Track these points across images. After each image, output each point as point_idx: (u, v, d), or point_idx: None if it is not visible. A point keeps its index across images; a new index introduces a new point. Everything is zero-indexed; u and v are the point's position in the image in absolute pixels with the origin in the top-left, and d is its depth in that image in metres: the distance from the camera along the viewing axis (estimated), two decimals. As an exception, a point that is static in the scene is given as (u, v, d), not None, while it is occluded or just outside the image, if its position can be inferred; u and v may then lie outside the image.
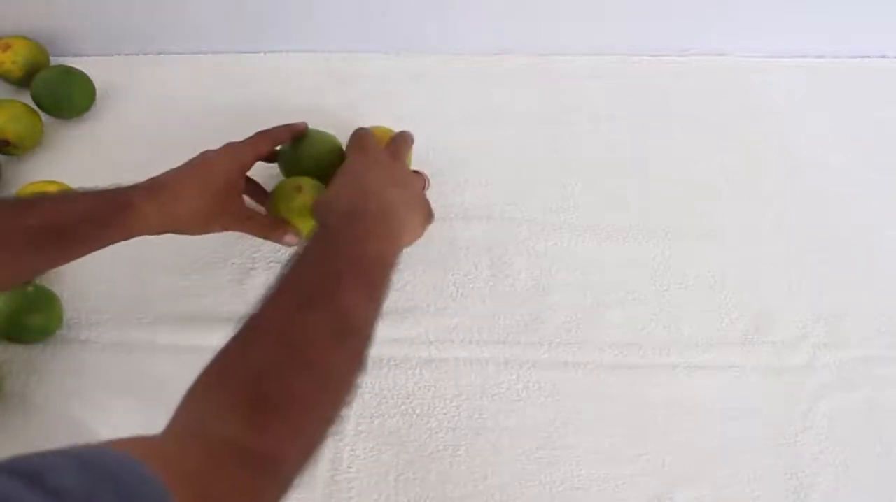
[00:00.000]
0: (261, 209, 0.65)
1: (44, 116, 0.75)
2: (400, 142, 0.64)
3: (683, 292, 0.67)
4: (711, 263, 0.69)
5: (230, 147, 0.60)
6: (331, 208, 0.55)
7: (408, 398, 0.62)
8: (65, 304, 0.64)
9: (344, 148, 0.71)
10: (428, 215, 0.60)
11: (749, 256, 0.69)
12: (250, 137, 0.62)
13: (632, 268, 0.68)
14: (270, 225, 0.62)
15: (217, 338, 0.64)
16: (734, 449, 0.60)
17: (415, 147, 0.72)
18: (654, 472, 0.59)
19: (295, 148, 0.69)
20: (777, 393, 0.62)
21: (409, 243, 0.58)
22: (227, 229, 0.61)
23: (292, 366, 0.41)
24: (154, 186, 0.55)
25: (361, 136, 0.63)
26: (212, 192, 0.58)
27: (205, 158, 0.59)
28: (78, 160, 0.75)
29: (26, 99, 0.75)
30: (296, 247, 0.62)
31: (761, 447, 0.60)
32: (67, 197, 0.54)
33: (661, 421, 0.61)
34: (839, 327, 0.66)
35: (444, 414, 0.61)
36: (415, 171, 0.64)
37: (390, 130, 0.70)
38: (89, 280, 0.66)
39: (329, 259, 0.48)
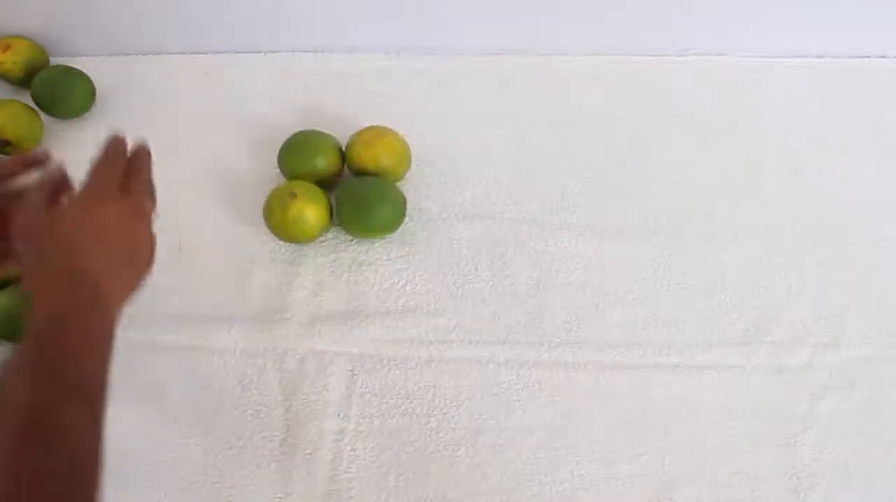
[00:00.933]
0: None
1: (43, 116, 0.75)
2: (107, 172, 0.52)
3: (683, 292, 0.67)
4: (711, 263, 0.69)
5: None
6: (31, 284, 0.47)
7: (408, 398, 0.62)
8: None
9: (343, 148, 0.71)
10: (144, 266, 0.51)
11: (749, 256, 0.69)
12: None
13: (632, 268, 0.68)
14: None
15: (217, 339, 0.64)
16: (734, 449, 0.60)
17: (415, 147, 0.72)
18: (654, 472, 0.59)
19: (296, 148, 0.69)
20: (777, 392, 0.62)
21: (130, 294, 0.49)
22: None
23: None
24: None
25: (97, 176, 0.51)
26: None
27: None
28: (78, 160, 0.75)
29: (26, 99, 0.75)
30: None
31: (761, 447, 0.60)
32: None
33: (661, 421, 0.61)
34: (839, 327, 0.65)
35: (444, 414, 0.61)
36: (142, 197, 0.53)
37: (389, 130, 0.71)
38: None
39: (47, 375, 0.42)
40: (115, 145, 0.54)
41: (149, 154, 0.56)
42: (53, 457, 0.39)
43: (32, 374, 0.42)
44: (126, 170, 0.54)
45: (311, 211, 0.65)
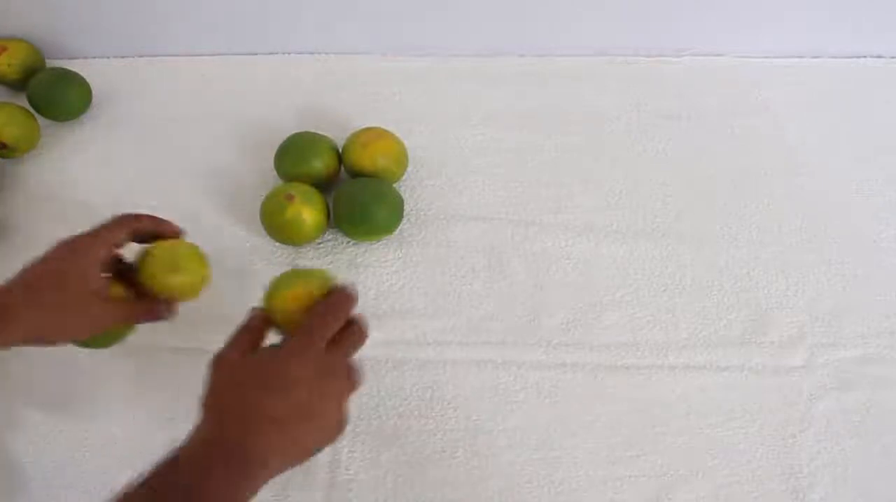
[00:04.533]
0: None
1: (40, 119, 0.75)
2: (326, 325, 0.49)
3: (681, 293, 0.67)
4: (709, 264, 0.69)
5: (80, 240, 0.54)
6: (205, 409, 0.48)
7: (406, 400, 0.62)
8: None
9: (340, 150, 0.71)
10: (322, 444, 0.49)
11: (747, 256, 0.69)
12: (106, 226, 0.55)
13: (629, 269, 0.68)
14: (140, 309, 0.57)
15: (214, 341, 0.64)
16: (732, 449, 0.60)
17: (413, 149, 0.72)
18: (652, 473, 0.59)
19: (292, 150, 0.69)
20: (775, 393, 0.62)
21: (293, 465, 0.47)
22: (93, 332, 0.55)
23: None
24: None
25: (309, 334, 0.49)
26: (55, 301, 0.52)
27: (51, 259, 0.53)
28: (74, 163, 0.75)
29: (22, 101, 0.75)
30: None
31: (759, 447, 0.60)
32: None
33: (659, 422, 0.61)
34: (837, 327, 0.66)
35: (442, 415, 0.61)
36: (351, 373, 0.50)
37: (386, 131, 0.71)
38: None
39: (178, 491, 0.44)
40: (342, 299, 0.50)
41: (365, 331, 0.51)
42: None
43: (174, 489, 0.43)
44: (342, 334, 0.50)
45: (308, 213, 0.65)
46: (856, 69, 0.82)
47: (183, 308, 0.65)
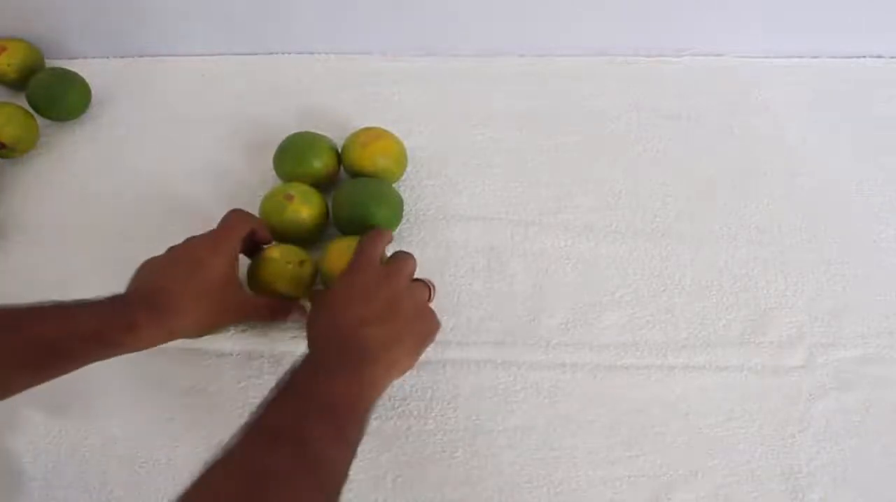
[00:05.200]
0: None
1: (39, 119, 0.75)
2: (374, 248, 0.59)
3: (680, 293, 0.67)
4: (708, 264, 0.69)
5: (217, 241, 0.58)
6: (310, 335, 0.54)
7: (405, 400, 0.62)
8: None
9: (339, 150, 0.71)
10: (423, 340, 0.56)
11: (746, 256, 0.69)
12: (229, 221, 0.59)
13: (629, 269, 0.68)
14: (276, 308, 0.62)
15: (214, 341, 0.64)
16: (732, 449, 0.60)
17: (412, 149, 0.72)
18: (651, 473, 0.59)
19: (292, 150, 0.69)
20: (774, 393, 0.62)
21: (397, 376, 0.54)
22: (231, 324, 0.61)
23: (251, 498, 0.41)
24: (155, 305, 0.53)
25: (362, 253, 0.58)
26: (212, 300, 0.56)
27: (198, 261, 0.56)
28: (74, 163, 0.75)
29: (22, 101, 0.75)
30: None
31: (759, 447, 0.60)
32: (65, 312, 0.51)
33: (658, 422, 0.61)
34: (836, 327, 0.66)
35: (442, 415, 0.61)
36: (419, 281, 0.58)
37: (385, 131, 0.70)
38: (89, 282, 0.66)
39: (301, 400, 0.47)
40: (380, 231, 0.61)
41: (412, 263, 0.59)
42: (292, 459, 0.43)
43: (292, 391, 0.47)
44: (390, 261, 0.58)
45: (307, 212, 0.65)
46: (856, 69, 0.82)
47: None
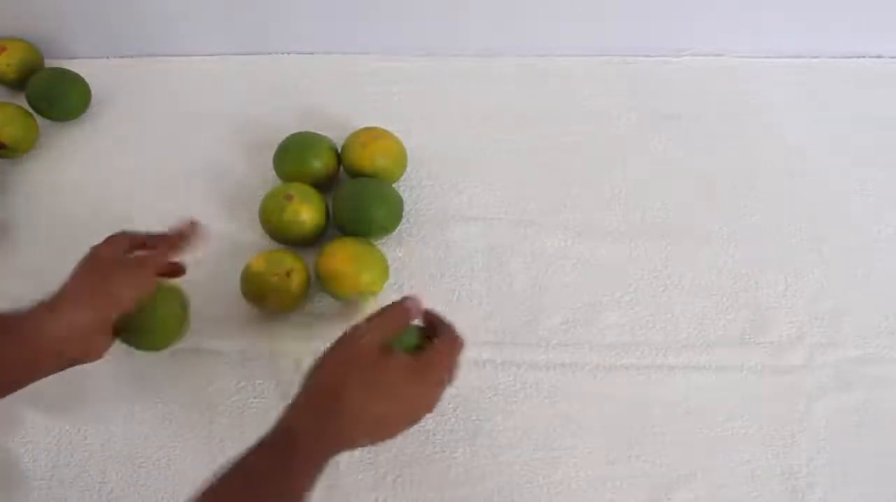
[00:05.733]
0: None
1: (39, 119, 0.75)
2: (446, 337, 0.53)
3: (681, 293, 0.67)
4: (709, 264, 0.69)
5: (98, 249, 0.56)
6: (315, 384, 0.50)
7: (405, 400, 0.62)
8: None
9: (339, 150, 0.71)
10: (402, 429, 0.51)
11: (746, 256, 0.69)
12: (148, 254, 0.57)
13: (629, 269, 0.68)
14: (171, 241, 0.58)
15: (213, 341, 0.64)
16: (731, 449, 0.60)
17: (412, 149, 0.72)
18: (651, 473, 0.59)
19: (291, 150, 0.69)
20: (774, 393, 0.62)
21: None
22: (141, 290, 0.55)
23: None
24: (46, 301, 0.52)
25: (434, 359, 0.51)
26: (96, 278, 0.54)
27: (104, 293, 0.54)
28: (73, 163, 0.75)
29: (21, 101, 0.75)
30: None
31: (759, 447, 0.60)
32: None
33: (658, 422, 0.61)
34: (836, 327, 0.66)
35: (442, 415, 0.61)
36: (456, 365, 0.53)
37: (385, 131, 0.70)
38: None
39: (294, 454, 0.47)
40: (405, 306, 0.53)
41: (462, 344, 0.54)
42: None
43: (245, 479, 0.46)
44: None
45: (307, 212, 0.65)
46: (856, 69, 0.82)
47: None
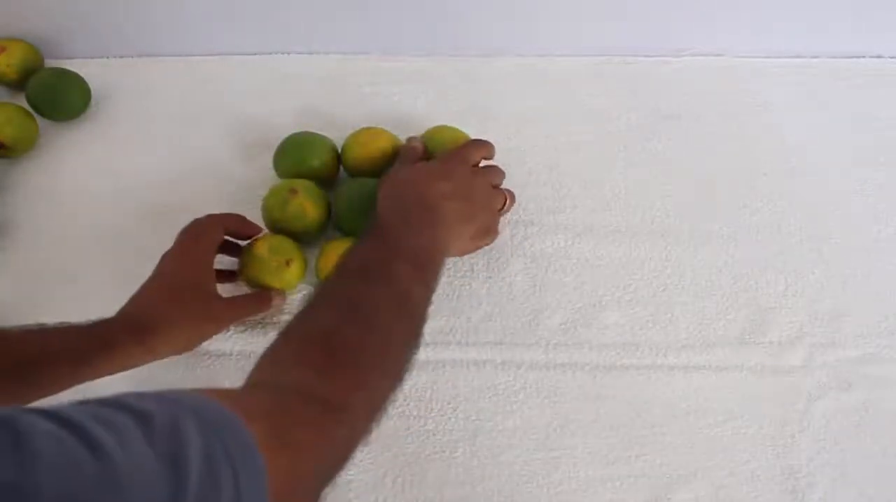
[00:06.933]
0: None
1: (39, 119, 0.75)
2: (473, 151, 0.64)
3: (680, 292, 0.67)
4: (708, 263, 0.69)
5: (189, 251, 0.58)
6: (391, 198, 0.59)
7: (405, 400, 0.62)
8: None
9: (339, 150, 0.71)
10: (484, 234, 0.63)
11: (746, 256, 0.69)
12: (196, 230, 0.59)
13: (628, 269, 0.68)
14: (255, 301, 0.61)
15: (214, 341, 0.64)
16: (731, 449, 0.60)
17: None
18: (651, 473, 0.59)
19: (291, 150, 0.69)
20: (774, 393, 0.62)
21: (457, 254, 0.64)
22: (215, 333, 0.59)
23: (358, 327, 0.45)
24: (132, 324, 0.54)
25: (460, 151, 0.63)
26: (188, 313, 0.56)
27: (170, 276, 0.57)
28: (73, 163, 0.75)
29: (21, 101, 0.75)
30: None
31: (759, 447, 0.60)
32: (44, 334, 0.51)
33: (658, 422, 0.61)
34: (836, 327, 0.66)
35: (441, 415, 0.61)
36: (499, 190, 0.64)
37: (385, 131, 0.70)
38: (89, 282, 0.66)
39: (387, 246, 0.53)
40: (480, 141, 0.65)
41: (487, 151, 0.65)
42: (382, 291, 0.49)
43: (381, 242, 0.53)
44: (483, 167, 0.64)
45: (311, 207, 0.65)
46: (856, 69, 0.82)
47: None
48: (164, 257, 0.58)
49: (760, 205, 0.72)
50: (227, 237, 0.62)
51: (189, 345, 0.58)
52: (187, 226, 0.59)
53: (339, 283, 0.50)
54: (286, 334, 0.46)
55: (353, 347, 0.44)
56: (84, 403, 0.29)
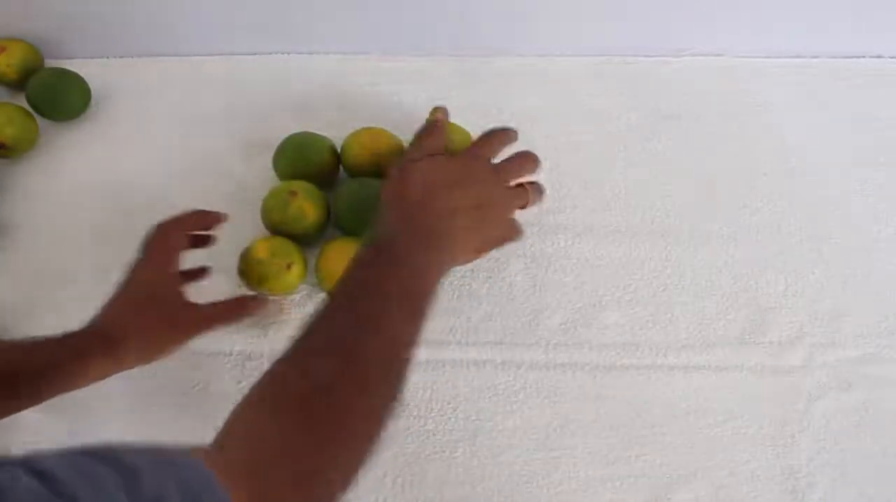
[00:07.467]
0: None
1: (39, 119, 0.75)
2: (491, 145, 0.61)
3: (680, 292, 0.67)
4: (708, 263, 0.69)
5: (151, 261, 0.57)
6: (398, 201, 0.55)
7: (405, 400, 0.62)
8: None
9: (338, 150, 0.71)
10: (497, 241, 0.59)
11: (746, 256, 0.69)
12: (155, 239, 0.58)
13: (628, 269, 0.68)
14: (233, 307, 0.60)
15: (214, 341, 0.64)
16: (731, 449, 0.60)
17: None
18: (651, 473, 0.59)
19: (291, 150, 0.69)
20: (774, 393, 0.62)
21: (465, 264, 0.60)
22: (187, 340, 0.58)
23: (346, 385, 0.44)
24: (101, 334, 0.54)
25: (477, 145, 0.60)
26: (155, 321, 0.56)
27: (135, 286, 0.56)
28: (74, 163, 0.75)
29: (22, 101, 0.75)
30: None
31: (759, 447, 0.60)
32: (19, 347, 0.52)
33: (658, 422, 0.61)
34: (836, 327, 0.66)
35: (441, 415, 0.61)
36: (521, 187, 0.60)
37: (385, 131, 0.70)
38: (88, 282, 0.66)
39: (381, 281, 0.49)
40: (503, 131, 0.61)
41: (536, 162, 0.61)
42: (376, 345, 0.47)
43: (377, 273, 0.50)
44: (506, 160, 0.60)
45: (310, 208, 0.65)
46: (855, 69, 0.82)
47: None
48: (129, 267, 0.57)
49: (760, 205, 0.72)
50: (193, 232, 0.61)
51: (161, 353, 0.56)
52: (147, 234, 0.58)
53: (329, 327, 0.47)
54: (269, 381, 0.45)
55: (339, 408, 0.43)
56: (72, 452, 0.29)
